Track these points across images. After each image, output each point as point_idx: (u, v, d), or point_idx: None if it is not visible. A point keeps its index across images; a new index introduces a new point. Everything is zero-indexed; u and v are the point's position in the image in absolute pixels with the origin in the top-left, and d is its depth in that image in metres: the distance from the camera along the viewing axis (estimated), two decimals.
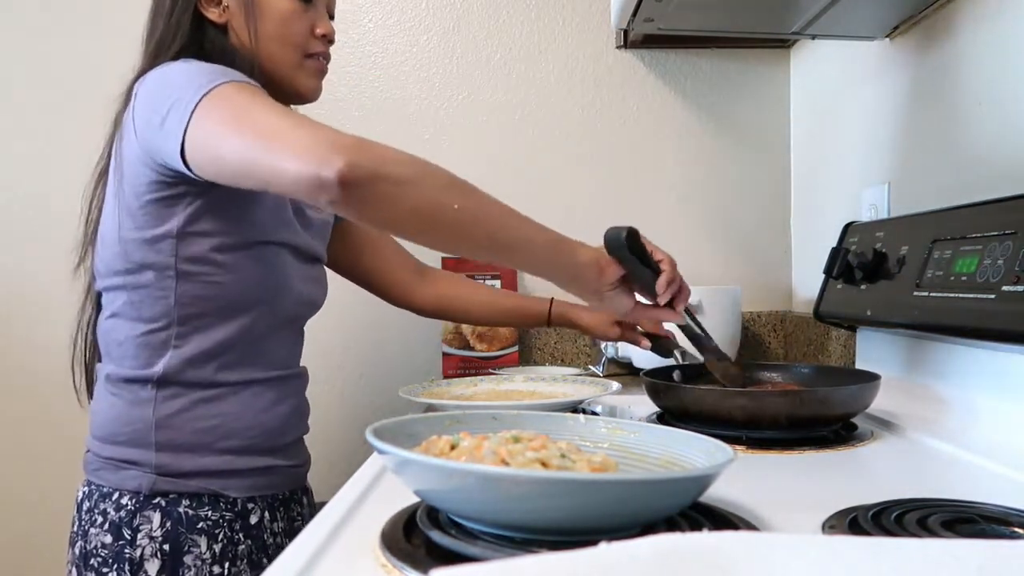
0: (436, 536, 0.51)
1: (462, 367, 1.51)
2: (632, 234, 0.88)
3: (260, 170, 0.77)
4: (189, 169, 0.85)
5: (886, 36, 1.26)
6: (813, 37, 1.36)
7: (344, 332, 1.69)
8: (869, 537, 0.41)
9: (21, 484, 1.66)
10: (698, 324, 1.00)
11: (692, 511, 0.56)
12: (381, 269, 1.24)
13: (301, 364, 1.08)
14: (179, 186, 0.90)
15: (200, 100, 0.82)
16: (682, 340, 1.06)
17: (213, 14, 0.97)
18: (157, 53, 0.96)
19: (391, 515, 0.57)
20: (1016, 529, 0.55)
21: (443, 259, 1.52)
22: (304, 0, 0.99)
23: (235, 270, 0.93)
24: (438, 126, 1.73)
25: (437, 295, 1.27)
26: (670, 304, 0.94)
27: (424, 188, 0.78)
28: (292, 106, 1.01)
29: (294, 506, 1.04)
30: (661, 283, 0.91)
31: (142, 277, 0.92)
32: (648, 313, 0.96)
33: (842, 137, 1.47)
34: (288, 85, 1.01)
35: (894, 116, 1.26)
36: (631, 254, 0.88)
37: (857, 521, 0.56)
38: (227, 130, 0.80)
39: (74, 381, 1.05)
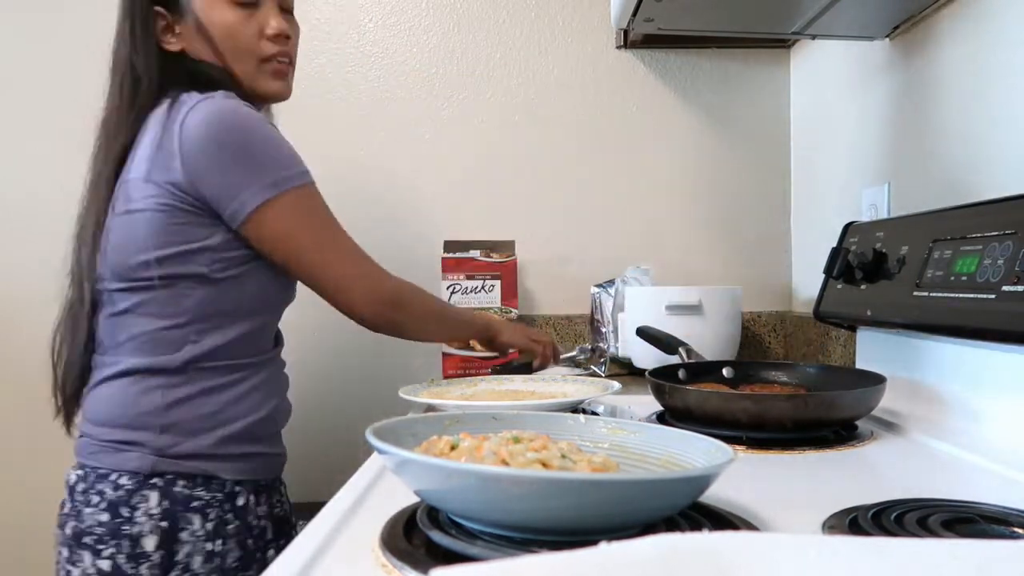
0: (436, 536, 0.51)
1: (462, 367, 1.51)
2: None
3: (320, 290, 1.03)
4: (240, 229, 0.96)
5: (886, 36, 1.26)
6: (813, 37, 1.36)
7: (344, 332, 1.68)
8: (869, 537, 0.41)
9: (21, 483, 1.66)
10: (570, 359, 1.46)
11: (692, 511, 0.56)
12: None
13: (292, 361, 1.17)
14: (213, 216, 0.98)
15: (287, 190, 0.96)
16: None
17: (173, 45, 1.02)
18: (134, 93, 1.00)
19: (391, 515, 0.57)
20: (1016, 529, 0.55)
21: (443, 259, 1.52)
22: (245, 7, 1.02)
23: (256, 279, 1.01)
24: (438, 126, 1.73)
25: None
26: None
27: (417, 324, 1.14)
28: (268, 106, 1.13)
29: (274, 493, 1.09)
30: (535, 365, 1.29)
31: (171, 283, 0.97)
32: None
33: (842, 137, 1.47)
34: (252, 91, 1.05)
35: (894, 116, 1.26)
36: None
37: (857, 521, 0.56)
38: (312, 246, 1.00)
39: (56, 376, 1.04)
